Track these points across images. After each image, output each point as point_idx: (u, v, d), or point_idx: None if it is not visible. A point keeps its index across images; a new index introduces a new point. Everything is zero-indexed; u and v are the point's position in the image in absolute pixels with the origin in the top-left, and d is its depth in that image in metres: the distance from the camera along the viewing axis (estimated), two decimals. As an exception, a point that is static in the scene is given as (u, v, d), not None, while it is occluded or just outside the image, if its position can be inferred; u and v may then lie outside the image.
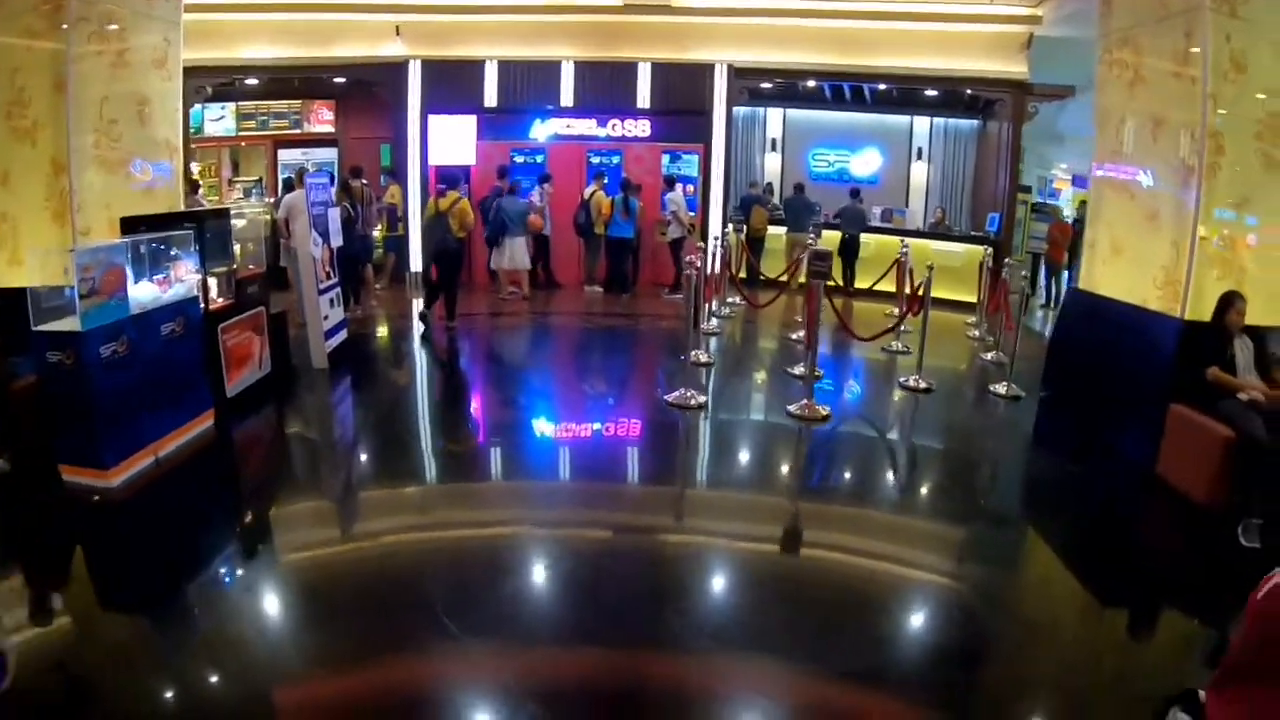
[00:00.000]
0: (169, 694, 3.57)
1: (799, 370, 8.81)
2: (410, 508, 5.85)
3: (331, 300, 8.67)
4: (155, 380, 6.04)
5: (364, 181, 14.10)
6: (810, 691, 3.80)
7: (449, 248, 10.66)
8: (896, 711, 3.70)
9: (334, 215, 8.82)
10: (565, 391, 8.95)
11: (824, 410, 7.51)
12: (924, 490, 6.44)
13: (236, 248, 7.63)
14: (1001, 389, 8.65)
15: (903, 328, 11.45)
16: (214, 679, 3.67)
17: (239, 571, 4.77)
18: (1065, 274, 15.18)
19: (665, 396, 7.81)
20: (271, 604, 4.41)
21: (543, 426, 7.58)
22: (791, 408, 7.56)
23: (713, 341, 10.57)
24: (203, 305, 6.76)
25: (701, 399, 7.82)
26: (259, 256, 7.82)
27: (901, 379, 8.83)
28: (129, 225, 6.70)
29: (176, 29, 8.14)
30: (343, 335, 9.03)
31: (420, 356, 10.12)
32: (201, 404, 6.70)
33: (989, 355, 10.25)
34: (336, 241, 8.91)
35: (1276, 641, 2.11)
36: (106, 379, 5.52)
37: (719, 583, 4.76)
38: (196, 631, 4.05)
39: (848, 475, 6.70)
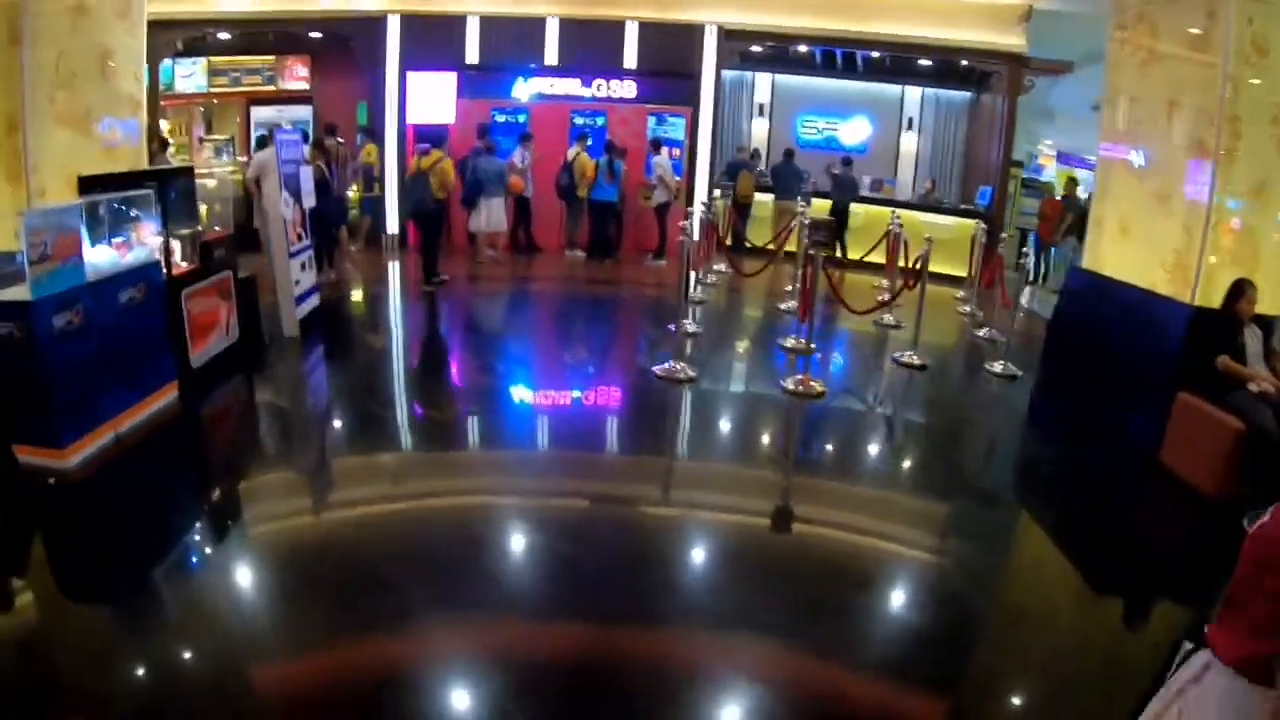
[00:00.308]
0: (131, 684, 3.38)
1: (791, 343, 8.58)
2: (382, 481, 5.57)
3: (303, 264, 8.29)
4: (114, 351, 5.68)
5: (340, 140, 13.71)
6: (794, 669, 3.74)
7: (427, 208, 10.45)
8: (879, 694, 3.65)
9: (306, 175, 8.41)
10: (547, 363, 8.64)
11: (819, 386, 7.28)
12: (920, 470, 6.25)
13: (203, 208, 7.26)
14: (998, 367, 8.44)
15: (889, 296, 11.28)
16: (179, 667, 3.48)
17: (205, 552, 4.56)
18: (1054, 250, 15.03)
19: (653, 369, 7.52)
20: (240, 585, 4.20)
21: (523, 399, 7.32)
22: (786, 383, 7.34)
23: (700, 310, 10.25)
24: (165, 270, 6.37)
25: (691, 372, 7.50)
26: (226, 218, 7.45)
27: (895, 354, 8.58)
28: (87, 185, 6.27)
29: (143, -23, 7.69)
30: (315, 301, 8.66)
31: (395, 323, 9.82)
32: (164, 376, 6.34)
33: (982, 332, 10.03)
34: (309, 202, 8.51)
35: (1266, 566, 2.19)
36: (60, 351, 5.16)
37: (707, 559, 4.67)
38: (160, 619, 3.83)
39: (845, 453, 6.52)
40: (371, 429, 6.46)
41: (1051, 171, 19.57)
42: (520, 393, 7.40)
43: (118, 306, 5.76)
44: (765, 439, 6.82)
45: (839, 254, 13.59)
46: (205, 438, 6.39)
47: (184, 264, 6.77)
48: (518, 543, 4.68)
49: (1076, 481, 6.11)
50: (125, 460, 5.48)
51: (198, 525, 4.86)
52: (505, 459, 5.94)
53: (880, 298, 11.50)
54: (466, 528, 4.80)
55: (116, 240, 6.02)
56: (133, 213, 6.18)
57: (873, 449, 6.62)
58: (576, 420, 6.85)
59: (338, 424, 6.70)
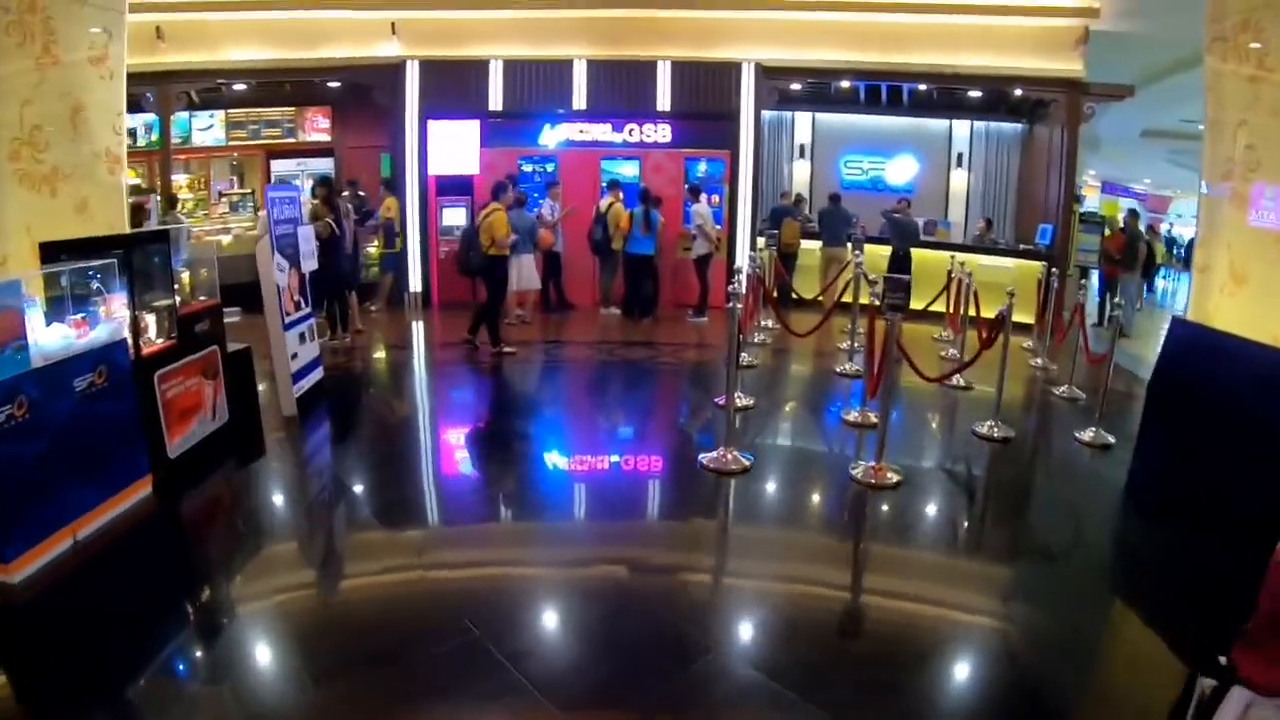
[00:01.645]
0: None
1: (854, 416, 7.59)
2: (387, 607, 4.55)
3: (302, 335, 7.45)
4: (70, 446, 4.85)
5: (362, 193, 13.08)
6: None
7: (469, 264, 9.86)
8: None
9: (305, 235, 7.59)
10: (580, 449, 7.29)
11: (893, 474, 6.17)
12: (1029, 586, 4.99)
13: (185, 275, 6.45)
14: (1088, 435, 7.39)
15: (953, 350, 10.26)
16: None
17: (172, 689, 3.73)
18: (1120, 289, 14.00)
19: (701, 458, 6.43)
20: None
21: (549, 505, 6.04)
22: (855, 470, 6.27)
23: (748, 377, 9.12)
24: (134, 349, 5.54)
25: (745, 460, 6.44)
26: (212, 285, 6.61)
27: (974, 425, 7.49)
28: (50, 252, 5.50)
29: (120, 20, 6.98)
30: (318, 375, 7.81)
31: (408, 399, 8.92)
32: (135, 470, 5.51)
33: (1060, 390, 8.96)
34: (309, 266, 7.69)
35: None
36: (1, 450, 4.35)
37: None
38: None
39: (932, 570, 5.11)
40: (369, 537, 5.50)
41: (1095, 202, 18.66)
42: (545, 497, 6.22)
43: (73, 395, 4.93)
44: (835, 553, 5.40)
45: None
46: (181, 541, 5.47)
47: (158, 341, 5.93)
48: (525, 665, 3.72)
49: (1196, 582, 4.97)
50: (84, 572, 4.67)
51: (165, 655, 3.95)
52: (527, 591, 4.67)
53: (942, 352, 10.59)
54: (481, 673, 3.82)
55: (74, 317, 5.22)
56: (94, 284, 5.37)
57: (965, 562, 5.39)
58: (611, 535, 5.54)
59: (332, 526, 5.73)
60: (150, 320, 5.91)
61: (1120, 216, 16.64)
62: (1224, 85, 6.62)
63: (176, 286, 6.21)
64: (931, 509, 6.03)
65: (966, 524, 5.98)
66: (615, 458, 6.96)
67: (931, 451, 7.42)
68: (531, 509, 6.04)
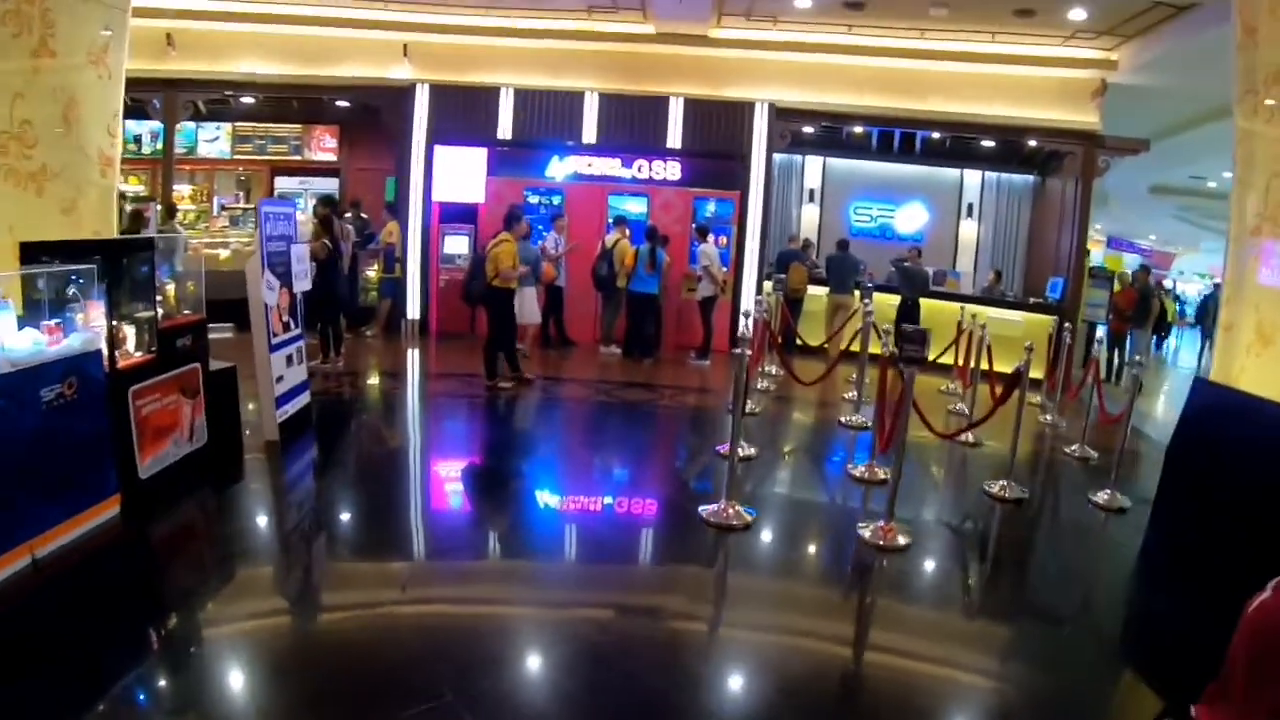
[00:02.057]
0: None
1: (861, 471, 7.26)
2: (354, 657, 4.13)
3: (290, 357, 7.15)
4: (31, 459, 4.54)
5: (364, 215, 12.90)
6: None
7: (471, 292, 9.57)
8: None
9: (298, 253, 7.32)
10: (572, 495, 6.77)
11: (902, 536, 5.77)
12: (1048, 664, 4.57)
13: (171, 287, 6.17)
14: (1103, 497, 7.08)
15: (962, 406, 9.98)
16: None
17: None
18: (1129, 344, 13.84)
19: (701, 511, 6.01)
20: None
21: (535, 560, 5.48)
22: (863, 530, 5.86)
23: (751, 424, 8.63)
24: (107, 361, 5.25)
25: (747, 515, 5.99)
26: (198, 299, 6.32)
27: (986, 485, 7.14)
28: (30, 254, 5.23)
29: (123, 19, 6.73)
30: (304, 399, 7.50)
31: (394, 428, 8.56)
32: (103, 489, 5.17)
33: (1072, 449, 8.67)
34: (302, 286, 7.41)
35: (1269, 655, 2.09)
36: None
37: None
38: None
39: (946, 646, 4.67)
40: (343, 572, 5.18)
41: (1098, 257, 18.54)
42: (531, 547, 5.74)
43: (39, 405, 4.62)
44: (844, 625, 4.92)
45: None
46: (145, 567, 5.11)
47: (137, 354, 5.64)
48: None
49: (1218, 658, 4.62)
50: (43, 591, 4.37)
51: (115, 684, 3.63)
52: (507, 651, 4.17)
53: (950, 405, 10.30)
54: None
55: (49, 323, 4.93)
56: (70, 291, 5.10)
57: (978, 636, 4.91)
58: (603, 592, 5.07)
59: (303, 561, 5.37)
60: (129, 332, 5.63)
61: (1128, 272, 16.50)
62: (1257, 141, 6.41)
63: (160, 298, 5.93)
64: (943, 576, 5.67)
65: (979, 595, 5.56)
66: (610, 507, 6.48)
67: (942, 511, 7.03)
68: (516, 559, 5.61)
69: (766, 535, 6.00)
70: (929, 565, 5.71)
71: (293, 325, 7.27)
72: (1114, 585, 5.90)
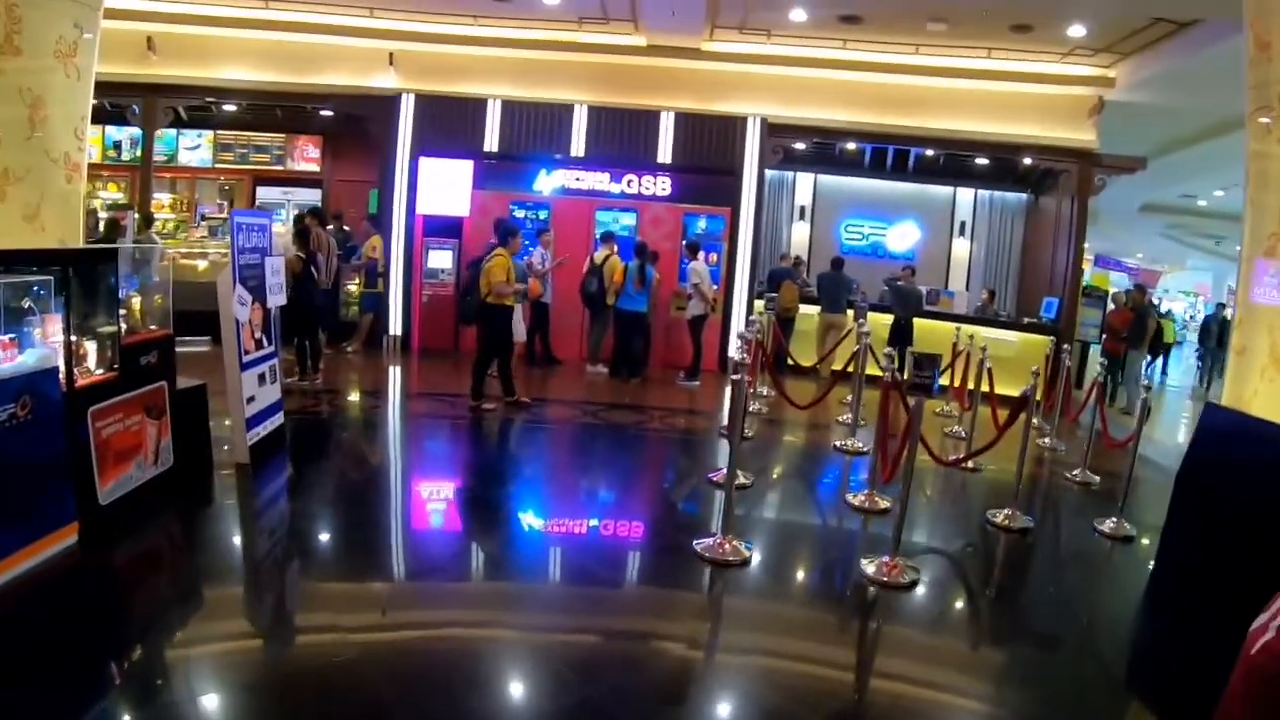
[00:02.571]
0: None
1: (861, 500, 6.94)
2: (332, 687, 3.85)
3: (263, 376, 6.82)
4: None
5: (346, 228, 12.62)
6: None
7: (467, 310, 9.45)
8: None
9: (273, 266, 6.99)
10: (552, 525, 6.31)
11: (909, 572, 5.44)
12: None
13: (137, 301, 5.86)
14: (1108, 525, 6.84)
15: (959, 430, 9.73)
16: None
17: None
18: (1126, 366, 13.62)
19: (696, 546, 5.63)
20: None
21: (508, 600, 5.08)
22: (867, 566, 5.51)
23: (744, 450, 7.99)
24: (64, 380, 4.92)
25: (744, 549, 5.63)
26: (166, 313, 6.00)
27: (990, 514, 6.87)
28: (-16, 263, 4.93)
29: (94, 16, 6.43)
30: (278, 419, 7.17)
31: (370, 449, 8.16)
32: (59, 516, 4.86)
33: (1074, 474, 8.43)
34: (276, 300, 7.09)
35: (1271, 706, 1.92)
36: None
37: None
38: None
39: (967, 696, 4.38)
40: (311, 607, 4.86)
41: (1086, 275, 18.43)
42: (511, 582, 5.36)
43: (-14, 426, 4.32)
44: (852, 668, 4.61)
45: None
46: (104, 599, 4.76)
47: (98, 372, 5.32)
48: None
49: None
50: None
51: None
52: (477, 705, 3.80)
53: (947, 429, 10.05)
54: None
55: (4, 338, 4.61)
56: (26, 303, 4.78)
57: (992, 681, 4.57)
58: (589, 637, 4.66)
59: (270, 594, 5.06)
60: (90, 348, 5.31)
61: (1122, 291, 16.34)
62: (1269, 160, 6.19)
63: (124, 312, 5.62)
64: (952, 617, 5.35)
65: (991, 636, 5.18)
66: (597, 541, 6.04)
67: (946, 543, 6.69)
68: (493, 599, 5.16)
69: (765, 572, 5.66)
70: (937, 605, 5.42)
71: (266, 342, 6.94)
72: (1130, 622, 5.65)
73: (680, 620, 4.92)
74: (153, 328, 5.93)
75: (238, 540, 5.76)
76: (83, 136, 6.52)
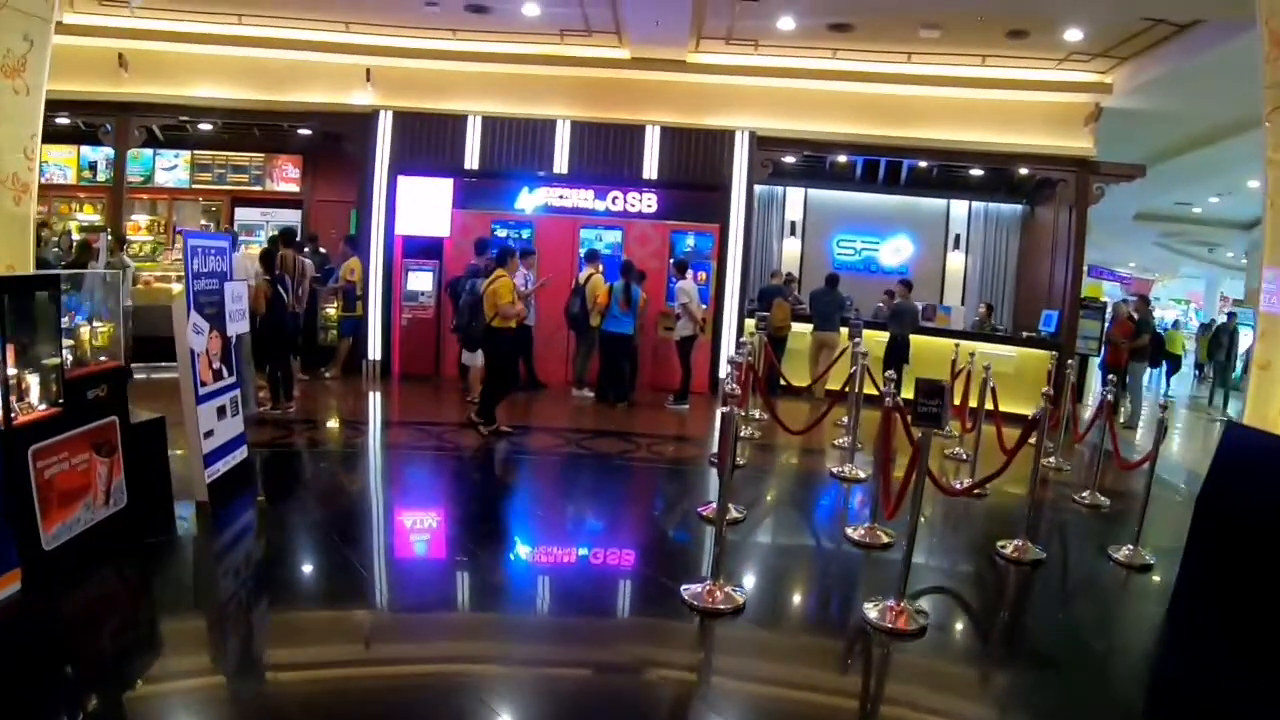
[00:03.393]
0: None
1: (862, 534, 6.52)
2: None
3: (222, 409, 6.41)
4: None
5: (322, 249, 12.28)
6: None
7: (471, 336, 9.37)
8: None
9: (233, 292, 6.58)
10: (531, 565, 5.91)
11: (918, 618, 5.00)
12: None
13: (86, 330, 5.46)
14: (1123, 554, 6.49)
15: (960, 451, 9.37)
16: None
17: None
18: (1128, 379, 13.28)
19: (684, 592, 5.17)
20: None
21: (482, 646, 4.69)
22: (870, 612, 5.05)
23: (736, 479, 7.61)
24: (1, 417, 4.52)
25: (738, 598, 5.17)
26: (117, 343, 5.60)
27: (1000, 546, 6.45)
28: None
29: (45, 28, 6.01)
30: (240, 454, 6.76)
31: (341, 490, 7.42)
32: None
33: (1082, 496, 8.07)
34: (237, 328, 6.68)
35: None
36: None
37: None
38: None
39: None
40: (268, 664, 4.44)
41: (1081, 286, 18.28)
42: (485, 627, 4.95)
43: (-91, 473, 3.92)
44: None
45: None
46: (46, 653, 4.32)
47: (41, 407, 4.92)
48: None
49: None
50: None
51: None
52: None
53: (947, 450, 9.65)
54: None
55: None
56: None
57: None
58: (566, 697, 4.23)
59: (224, 646, 4.62)
60: (33, 381, 4.92)
61: (1119, 302, 16.08)
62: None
63: (73, 342, 5.23)
64: (965, 669, 4.86)
65: (1010, 692, 4.63)
66: (575, 584, 5.62)
67: (954, 582, 6.20)
68: (463, 649, 4.72)
69: (760, 622, 5.11)
70: (949, 656, 4.95)
71: (226, 373, 6.52)
72: (1161, 668, 5.26)
73: (665, 685, 4.45)
74: (103, 359, 5.52)
75: (189, 589, 5.37)
76: (33, 156, 6.11)
